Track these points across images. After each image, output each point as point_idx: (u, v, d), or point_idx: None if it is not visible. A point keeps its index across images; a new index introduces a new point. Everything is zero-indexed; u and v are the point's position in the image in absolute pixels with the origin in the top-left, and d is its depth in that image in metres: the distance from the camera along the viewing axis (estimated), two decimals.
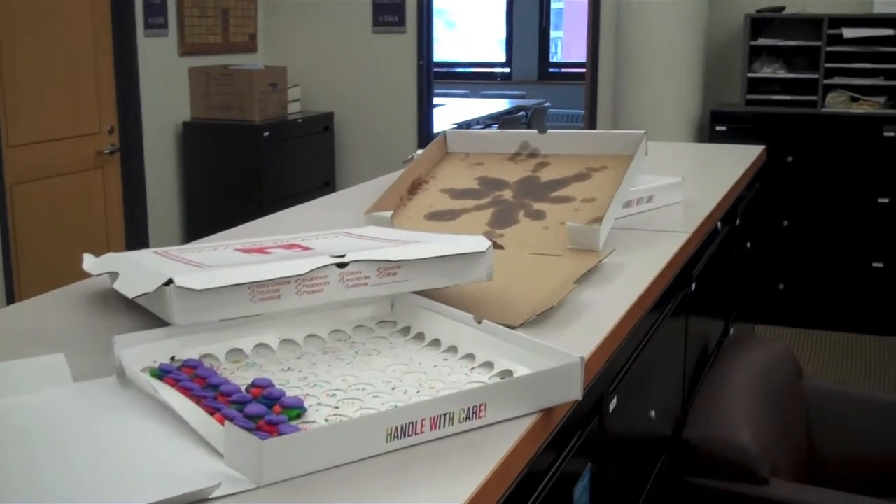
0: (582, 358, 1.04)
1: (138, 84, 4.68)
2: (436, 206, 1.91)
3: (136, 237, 4.72)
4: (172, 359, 1.15)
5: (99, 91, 4.46)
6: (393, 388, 1.08)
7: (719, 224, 2.24)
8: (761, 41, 4.97)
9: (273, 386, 1.05)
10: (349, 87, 5.64)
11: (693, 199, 2.13)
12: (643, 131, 1.96)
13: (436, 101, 8.49)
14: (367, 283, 1.23)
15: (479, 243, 1.30)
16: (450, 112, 8.53)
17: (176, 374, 1.07)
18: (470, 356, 1.16)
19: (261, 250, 1.39)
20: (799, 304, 4.97)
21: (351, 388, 1.07)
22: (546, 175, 1.98)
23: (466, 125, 8.31)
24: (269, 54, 5.69)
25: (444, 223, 1.84)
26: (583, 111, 5.60)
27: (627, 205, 1.99)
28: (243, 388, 1.05)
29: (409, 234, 1.46)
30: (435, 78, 5.73)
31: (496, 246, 1.35)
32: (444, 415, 0.96)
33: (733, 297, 2.69)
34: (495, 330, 1.16)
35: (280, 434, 0.92)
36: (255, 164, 4.97)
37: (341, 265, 1.21)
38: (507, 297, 1.41)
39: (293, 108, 5.35)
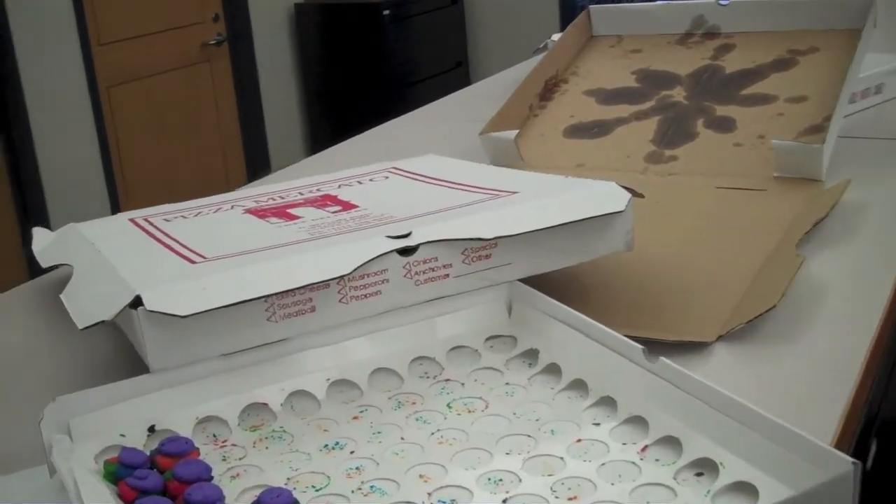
0: (856, 464, 0.54)
1: None
2: (579, 117, 1.40)
3: (254, 137, 4.36)
4: (151, 430, 0.71)
5: None
6: (504, 502, 0.61)
7: None
8: None
9: None
10: None
11: None
12: None
13: None
14: (447, 276, 0.77)
15: (614, 197, 0.81)
16: None
17: (138, 476, 0.64)
18: (640, 422, 0.68)
19: (282, 211, 0.93)
20: None
21: (432, 500, 0.61)
22: (732, 64, 1.43)
23: None
24: None
25: (592, 142, 1.33)
26: None
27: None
28: None
29: (488, 173, 0.99)
30: None
31: (636, 194, 0.84)
32: None
33: None
34: (680, 378, 0.67)
35: None
36: (378, 47, 4.48)
37: (405, 250, 0.75)
38: (685, 280, 0.90)
39: None
